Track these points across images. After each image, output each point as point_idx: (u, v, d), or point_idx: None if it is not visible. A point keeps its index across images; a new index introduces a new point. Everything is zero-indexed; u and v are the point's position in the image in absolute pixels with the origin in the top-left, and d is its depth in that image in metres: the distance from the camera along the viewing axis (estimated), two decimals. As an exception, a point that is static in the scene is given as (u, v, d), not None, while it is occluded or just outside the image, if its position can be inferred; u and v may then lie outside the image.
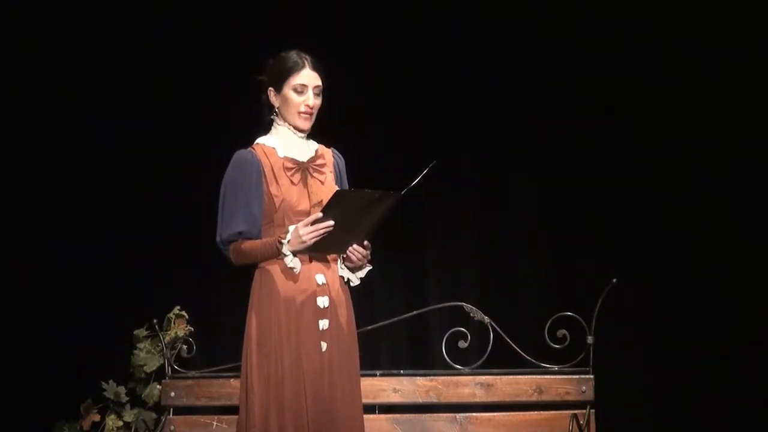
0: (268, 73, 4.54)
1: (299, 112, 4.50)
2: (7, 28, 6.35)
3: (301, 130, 4.54)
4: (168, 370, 5.51)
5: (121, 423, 5.61)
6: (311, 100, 4.50)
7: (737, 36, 6.25)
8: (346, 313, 4.49)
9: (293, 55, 4.51)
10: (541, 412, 5.39)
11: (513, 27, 6.41)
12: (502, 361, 5.43)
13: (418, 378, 5.45)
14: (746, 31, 6.24)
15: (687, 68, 6.28)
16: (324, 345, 4.41)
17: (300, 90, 4.49)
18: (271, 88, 4.53)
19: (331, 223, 4.31)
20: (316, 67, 4.52)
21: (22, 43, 6.36)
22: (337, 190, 4.40)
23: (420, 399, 5.43)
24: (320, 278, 4.44)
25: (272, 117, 4.58)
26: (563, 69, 6.36)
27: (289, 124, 4.54)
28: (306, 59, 4.51)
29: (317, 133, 4.62)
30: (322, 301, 4.43)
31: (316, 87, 4.51)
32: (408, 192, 4.31)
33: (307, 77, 4.50)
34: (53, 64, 6.36)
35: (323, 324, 4.42)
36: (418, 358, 6.21)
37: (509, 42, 6.41)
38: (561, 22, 6.37)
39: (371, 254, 4.48)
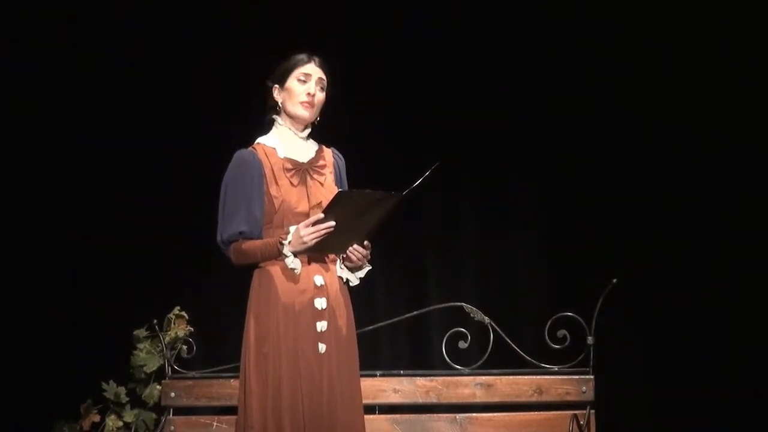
0: (273, 72, 4.56)
1: (300, 102, 4.51)
2: (5, 29, 6.36)
3: (303, 121, 4.54)
4: (168, 371, 5.50)
5: (121, 423, 5.61)
6: (313, 89, 4.51)
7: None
8: (345, 314, 4.49)
9: (301, 52, 4.56)
10: (541, 412, 5.38)
11: (513, 27, 6.42)
12: (502, 362, 5.43)
13: (418, 378, 5.45)
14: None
15: (684, 63, 6.30)
16: (322, 347, 4.40)
17: (303, 79, 4.52)
18: (275, 86, 4.55)
19: (332, 223, 4.31)
20: (322, 65, 4.56)
21: (20, 43, 6.37)
22: (338, 191, 4.40)
23: (420, 399, 5.42)
24: (318, 280, 4.44)
25: (273, 117, 4.58)
26: (563, 67, 6.36)
27: (291, 116, 4.54)
28: (313, 57, 4.55)
29: (318, 131, 4.62)
30: (320, 303, 4.42)
31: (320, 79, 4.54)
32: (409, 193, 4.31)
33: (312, 69, 4.53)
34: (52, 64, 6.36)
35: (321, 326, 4.41)
36: (418, 359, 6.21)
37: (509, 42, 6.41)
38: (561, 22, 6.37)
39: (371, 254, 4.48)
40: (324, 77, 4.55)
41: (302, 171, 4.51)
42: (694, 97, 6.29)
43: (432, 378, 5.45)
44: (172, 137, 6.40)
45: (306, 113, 4.53)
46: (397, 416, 5.42)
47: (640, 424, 6.08)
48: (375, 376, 5.41)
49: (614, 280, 5.29)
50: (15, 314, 6.26)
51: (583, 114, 6.32)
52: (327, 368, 4.39)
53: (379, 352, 6.28)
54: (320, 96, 4.55)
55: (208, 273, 6.17)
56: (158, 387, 5.55)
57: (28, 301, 6.29)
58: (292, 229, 4.38)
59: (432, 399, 5.43)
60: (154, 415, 5.60)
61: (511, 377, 5.41)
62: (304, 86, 4.52)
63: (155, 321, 5.55)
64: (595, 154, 6.32)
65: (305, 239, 4.33)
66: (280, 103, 4.56)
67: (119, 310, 6.12)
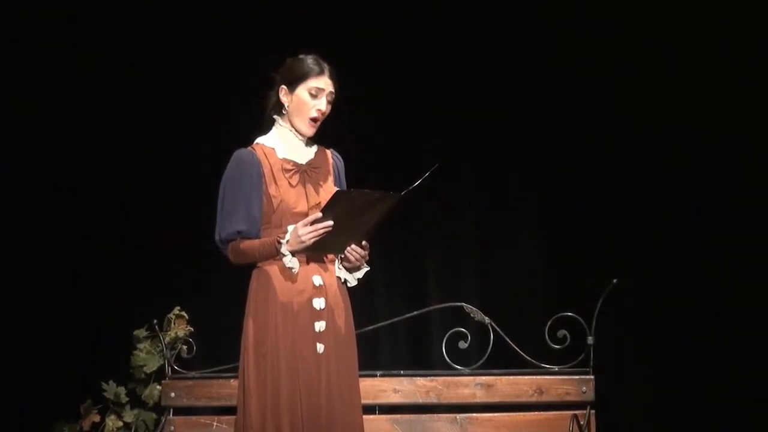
0: (283, 71, 4.54)
1: (309, 118, 4.50)
2: (5, 29, 6.36)
3: (304, 136, 4.54)
4: (168, 371, 5.50)
5: (121, 423, 5.61)
6: (323, 105, 4.50)
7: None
8: (344, 314, 4.48)
9: (314, 59, 4.52)
10: (542, 412, 5.38)
11: (513, 27, 6.42)
12: (503, 362, 5.43)
13: (419, 378, 5.45)
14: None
15: (684, 63, 6.31)
16: (321, 347, 4.40)
17: (315, 93, 4.49)
18: (283, 86, 4.52)
19: (331, 223, 4.31)
20: (333, 76, 4.52)
21: (20, 43, 6.37)
22: (337, 190, 4.40)
23: (420, 399, 5.42)
24: (317, 280, 4.44)
25: (274, 116, 4.58)
26: (563, 67, 6.36)
27: (294, 127, 4.53)
28: (326, 67, 4.51)
29: (318, 132, 4.61)
30: (318, 303, 4.42)
31: (330, 94, 4.51)
32: (408, 193, 4.31)
33: (325, 83, 4.50)
34: (52, 64, 6.36)
35: (319, 326, 4.41)
36: (419, 359, 6.21)
37: (509, 42, 6.42)
38: (561, 22, 6.37)
39: (369, 255, 4.47)
40: (334, 90, 4.52)
41: (301, 171, 4.51)
42: (694, 97, 6.28)
43: (432, 378, 5.45)
44: (173, 137, 6.39)
45: (310, 132, 4.53)
46: (397, 416, 5.42)
47: (640, 424, 6.08)
48: (375, 376, 5.41)
49: (614, 280, 5.29)
50: (15, 314, 6.26)
51: (583, 114, 6.32)
52: (325, 368, 4.39)
53: (379, 352, 6.28)
54: (327, 110, 4.54)
55: (208, 273, 6.17)
56: (158, 387, 5.55)
57: (29, 301, 6.28)
58: (290, 228, 4.37)
59: (432, 399, 5.43)
60: (154, 415, 5.60)
61: (511, 377, 5.41)
62: (315, 101, 4.49)
63: (155, 321, 5.55)
64: (595, 154, 6.31)
65: (303, 238, 4.33)
66: (286, 106, 4.54)
67: (119, 310, 6.11)
